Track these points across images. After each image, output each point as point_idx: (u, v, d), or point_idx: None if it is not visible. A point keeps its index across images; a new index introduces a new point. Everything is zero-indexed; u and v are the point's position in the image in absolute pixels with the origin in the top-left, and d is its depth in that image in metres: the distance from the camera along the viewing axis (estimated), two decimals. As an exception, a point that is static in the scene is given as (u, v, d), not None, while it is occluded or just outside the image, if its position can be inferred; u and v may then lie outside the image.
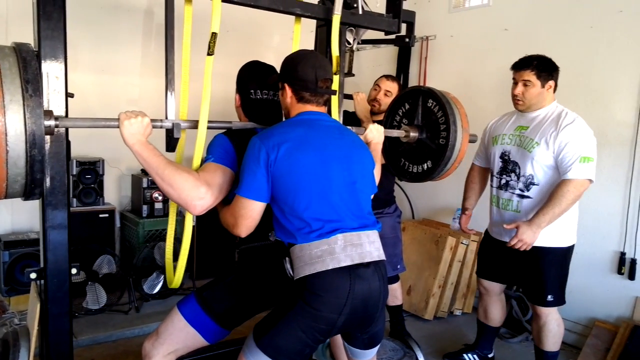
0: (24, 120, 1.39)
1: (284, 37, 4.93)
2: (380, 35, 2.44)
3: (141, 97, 4.28)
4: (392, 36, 2.41)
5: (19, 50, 1.47)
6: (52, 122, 1.56)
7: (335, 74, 2.07)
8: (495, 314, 2.93)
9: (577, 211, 2.63)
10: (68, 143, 1.82)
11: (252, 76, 1.96)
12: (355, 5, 2.12)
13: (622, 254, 3.18)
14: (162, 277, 3.70)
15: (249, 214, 1.65)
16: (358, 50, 5.02)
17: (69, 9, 1.77)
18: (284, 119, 1.89)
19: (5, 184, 1.44)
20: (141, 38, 4.27)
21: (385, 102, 3.04)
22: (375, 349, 1.85)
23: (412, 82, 4.68)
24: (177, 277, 1.92)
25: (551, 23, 3.55)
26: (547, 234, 2.50)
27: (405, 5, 2.35)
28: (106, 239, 3.86)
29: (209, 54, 1.77)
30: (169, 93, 1.83)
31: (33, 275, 1.88)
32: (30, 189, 1.49)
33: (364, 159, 1.81)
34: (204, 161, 1.78)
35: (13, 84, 1.39)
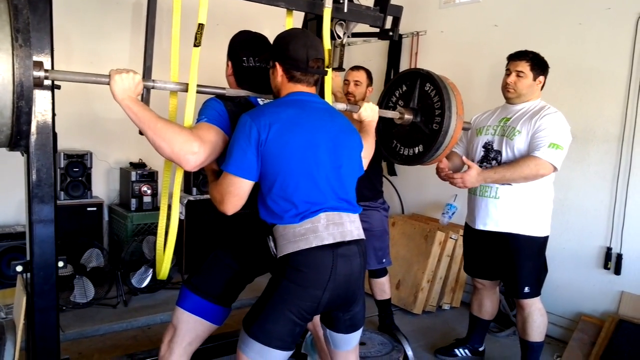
0: (12, 69, 1.35)
1: (274, 31, 4.87)
2: (368, 27, 2.44)
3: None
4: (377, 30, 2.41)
5: None
6: (41, 73, 1.53)
7: (328, 67, 2.07)
8: (489, 307, 2.98)
9: (552, 204, 2.69)
10: (55, 135, 1.81)
11: (245, 44, 1.94)
12: (341, 0, 2.11)
13: (609, 249, 3.21)
14: (151, 271, 3.69)
15: (237, 191, 1.64)
16: (349, 45, 5.01)
17: (55, 1, 1.75)
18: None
19: None
20: (130, 30, 4.24)
21: (359, 92, 3.11)
22: (358, 336, 1.85)
23: (403, 77, 4.68)
24: (164, 269, 1.91)
25: (540, 20, 3.57)
26: (522, 222, 2.59)
27: (396, 0, 2.35)
28: (94, 233, 3.84)
29: (195, 45, 1.76)
30: (146, 56, 1.82)
31: (19, 268, 1.86)
32: (15, 140, 1.46)
33: (352, 142, 1.82)
34: (197, 122, 1.75)
35: (2, 31, 1.35)
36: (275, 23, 4.68)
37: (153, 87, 1.78)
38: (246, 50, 1.92)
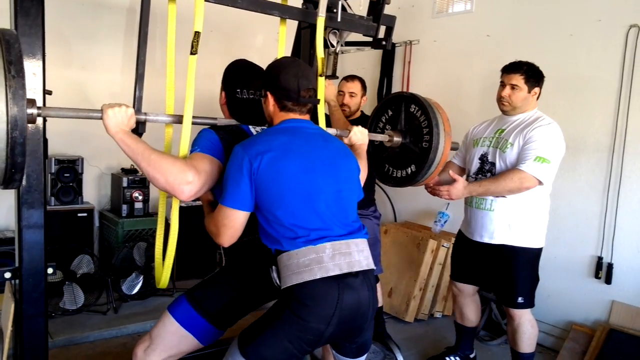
0: (6, 101, 1.35)
1: (268, 38, 4.93)
2: (362, 37, 2.45)
3: (123, 95, 4.23)
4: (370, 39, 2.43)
5: (2, 33, 1.43)
6: (34, 111, 1.53)
7: (321, 75, 2.07)
8: (471, 314, 2.97)
9: (547, 215, 2.70)
10: (45, 140, 1.80)
11: (239, 75, 1.94)
12: (335, 10, 2.12)
13: (600, 259, 3.23)
14: (141, 277, 3.66)
15: (232, 223, 1.63)
16: (342, 53, 5.03)
17: (47, 4, 1.74)
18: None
19: None
20: (123, 36, 4.23)
21: (354, 102, 3.11)
22: (364, 357, 1.84)
23: (396, 85, 4.71)
24: (164, 277, 1.88)
25: (532, 30, 3.60)
26: (519, 234, 2.59)
27: (389, 10, 2.36)
28: (85, 239, 3.81)
29: (192, 53, 1.76)
30: (137, 87, 1.81)
31: (7, 275, 1.85)
32: (10, 174, 1.44)
33: (350, 165, 1.80)
34: (190, 153, 1.75)
35: None
36: (268, 30, 4.75)
37: (145, 120, 1.78)
38: (240, 81, 1.92)
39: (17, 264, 1.86)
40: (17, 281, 1.88)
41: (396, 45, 4.59)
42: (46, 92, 1.80)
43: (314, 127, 1.83)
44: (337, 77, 2.65)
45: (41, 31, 1.72)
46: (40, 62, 1.74)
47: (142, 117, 1.75)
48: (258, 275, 1.85)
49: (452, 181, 2.57)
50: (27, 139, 1.41)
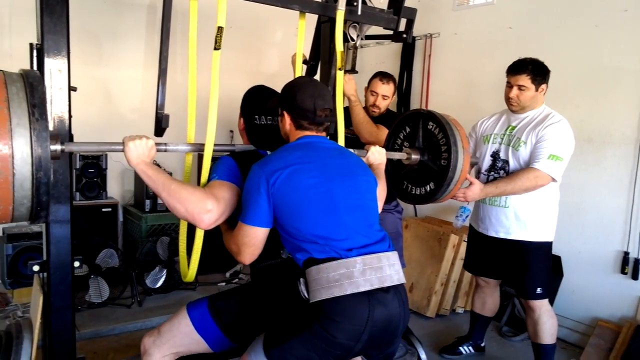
0: (30, 143, 1.40)
1: (287, 33, 4.94)
2: (381, 30, 2.44)
3: (144, 91, 4.29)
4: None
5: (27, 76, 1.49)
6: (57, 147, 1.59)
7: (340, 69, 2.07)
8: (492, 304, 3.05)
9: (557, 208, 2.73)
10: (71, 137, 1.83)
11: (257, 102, 1.96)
12: (355, 3, 2.11)
13: (626, 254, 3.17)
14: (165, 271, 3.72)
15: (252, 241, 1.64)
16: (362, 47, 5.01)
17: (70, 3, 1.77)
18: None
19: (12, 207, 1.44)
20: (144, 33, 4.28)
21: (385, 104, 3.08)
22: None
23: (416, 79, 4.67)
24: (191, 271, 1.90)
25: (556, 21, 3.54)
26: (533, 229, 2.64)
27: (409, 3, 2.34)
28: (109, 233, 3.87)
29: (215, 49, 1.76)
30: (161, 82, 1.82)
31: (36, 268, 1.89)
32: (36, 212, 1.49)
33: (367, 176, 1.80)
34: (208, 181, 1.77)
35: (20, 107, 1.41)
36: (287, 25, 4.75)
37: (165, 150, 1.80)
38: (257, 108, 1.94)
39: (45, 258, 1.91)
40: (45, 274, 1.92)
41: (416, 38, 4.55)
42: (71, 89, 1.82)
43: (330, 142, 1.84)
44: (357, 72, 2.63)
45: (66, 28, 1.75)
46: (65, 59, 1.77)
47: (163, 147, 1.77)
48: (280, 299, 1.81)
49: (469, 183, 2.56)
50: (50, 179, 1.46)
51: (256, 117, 1.93)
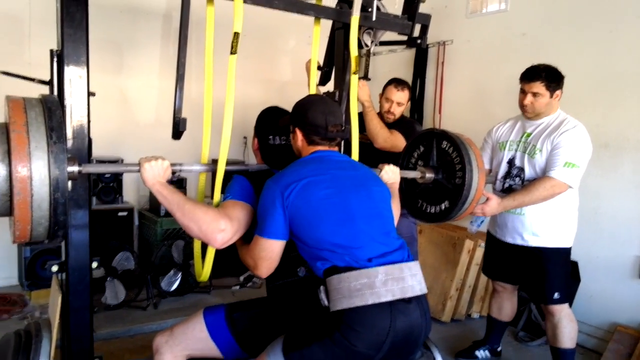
0: (48, 165, 1.45)
1: (299, 41, 4.97)
2: (395, 36, 2.45)
3: (159, 99, 4.35)
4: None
5: (45, 101, 1.55)
6: (75, 168, 1.63)
7: (354, 73, 2.09)
8: (509, 309, 3.04)
9: (577, 212, 2.71)
10: (90, 140, 1.87)
11: (271, 122, 2.00)
12: (370, 9, 2.13)
13: (644, 259, 3.13)
14: (180, 274, 3.76)
15: (269, 255, 1.65)
16: (374, 54, 5.03)
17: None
18: None
19: (30, 227, 1.49)
20: (159, 41, 4.35)
21: (399, 111, 3.08)
22: None
23: (429, 87, 4.68)
24: (205, 271, 1.93)
25: (570, 28, 3.52)
26: (547, 236, 2.64)
27: (422, 11, 2.36)
28: (125, 237, 3.93)
29: (232, 53, 1.80)
30: (178, 87, 1.86)
31: (54, 268, 1.94)
32: (53, 231, 1.54)
33: (381, 187, 1.81)
34: (223, 200, 1.80)
35: (38, 131, 1.46)
36: (300, 33, 4.79)
37: (180, 171, 1.84)
38: (271, 128, 1.98)
39: (63, 259, 1.95)
40: (63, 274, 1.96)
41: (429, 46, 4.56)
42: (90, 94, 1.87)
43: (342, 155, 1.87)
44: (369, 79, 2.65)
45: (85, 35, 1.80)
46: (85, 65, 1.81)
47: (177, 167, 1.82)
48: (297, 317, 1.80)
49: (486, 199, 2.54)
50: (67, 199, 1.50)
51: (270, 137, 1.98)
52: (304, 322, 1.67)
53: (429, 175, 2.35)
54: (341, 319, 1.53)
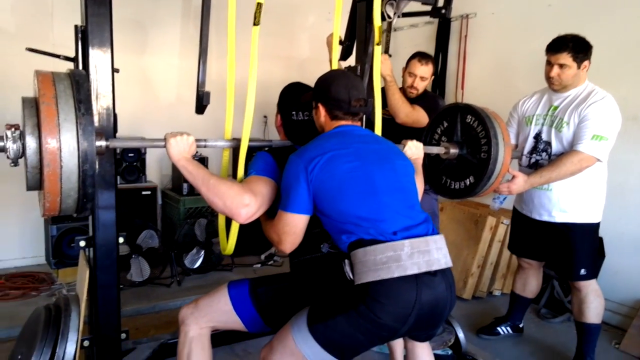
0: (77, 137, 1.46)
1: (319, 18, 4.92)
2: (417, 9, 2.40)
3: (180, 78, 4.36)
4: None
5: (73, 74, 1.56)
6: (102, 143, 1.66)
7: (378, 44, 2.07)
8: (534, 285, 3.02)
9: (605, 187, 2.64)
10: (115, 118, 1.88)
11: (293, 98, 1.99)
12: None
13: (671, 235, 3.08)
14: (202, 252, 3.80)
15: (293, 230, 1.65)
16: (395, 30, 4.96)
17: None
18: None
19: (60, 199, 1.51)
20: (180, 20, 4.34)
21: (423, 86, 3.04)
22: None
23: (451, 61, 4.60)
24: (230, 244, 1.95)
25: (597, -3, 3.42)
26: (575, 211, 2.59)
27: (446, -19, 2.31)
28: (148, 215, 3.98)
29: (255, 24, 1.79)
30: (201, 60, 1.85)
31: (82, 243, 1.96)
32: (82, 204, 1.56)
33: (404, 161, 1.80)
34: (246, 176, 1.81)
35: (67, 104, 1.47)
36: (320, 10, 4.73)
37: (205, 146, 1.86)
38: (294, 104, 1.98)
39: (90, 234, 1.97)
40: (91, 249, 1.99)
41: (452, 20, 4.47)
42: (114, 70, 1.87)
43: (365, 130, 1.86)
44: (390, 55, 2.62)
45: (109, 10, 1.80)
46: (109, 41, 1.81)
47: (202, 143, 1.83)
48: (320, 292, 1.81)
49: (511, 177, 2.50)
50: (96, 171, 1.53)
51: (293, 112, 1.98)
52: (329, 295, 1.67)
53: (453, 150, 2.32)
54: (367, 291, 1.53)
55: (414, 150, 2.10)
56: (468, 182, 2.31)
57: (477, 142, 2.25)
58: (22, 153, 1.48)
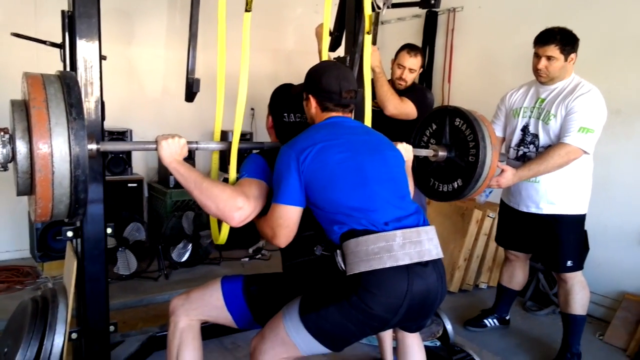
0: (69, 142, 1.44)
1: (306, 9, 4.90)
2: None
3: (166, 69, 4.32)
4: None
5: (63, 77, 1.54)
6: (93, 146, 1.64)
7: (368, 33, 2.07)
8: (520, 278, 3.05)
9: (591, 179, 2.68)
10: (102, 104, 1.86)
11: (285, 100, 1.99)
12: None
13: (653, 227, 3.13)
14: (190, 245, 3.78)
15: (286, 222, 1.65)
16: (382, 23, 4.96)
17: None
18: None
19: (51, 204, 1.49)
20: (166, 11, 4.30)
21: (411, 78, 3.04)
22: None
23: (438, 55, 4.62)
24: (222, 235, 1.95)
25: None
26: (562, 203, 2.62)
27: (434, -28, 2.31)
28: (135, 208, 3.94)
29: (247, 10, 1.78)
30: (191, 46, 1.84)
31: (69, 234, 1.94)
32: (74, 209, 1.54)
33: (394, 152, 1.81)
34: (238, 179, 1.79)
35: (58, 108, 1.45)
36: (307, 2, 4.71)
37: (197, 149, 1.85)
38: (285, 106, 1.97)
39: (78, 225, 1.95)
40: (78, 240, 1.97)
41: (439, 13, 4.49)
42: (101, 57, 1.85)
43: (355, 121, 1.87)
44: (377, 48, 2.63)
45: (97, 9, 1.78)
46: (96, 29, 1.79)
47: (194, 145, 1.84)
48: (318, 283, 1.78)
49: (500, 171, 2.51)
50: (87, 176, 1.51)
51: (285, 114, 1.97)
52: (321, 286, 1.67)
53: (442, 153, 2.33)
54: (359, 282, 1.53)
55: (404, 152, 2.08)
56: (456, 185, 2.33)
57: (466, 145, 2.26)
58: (12, 157, 1.46)
